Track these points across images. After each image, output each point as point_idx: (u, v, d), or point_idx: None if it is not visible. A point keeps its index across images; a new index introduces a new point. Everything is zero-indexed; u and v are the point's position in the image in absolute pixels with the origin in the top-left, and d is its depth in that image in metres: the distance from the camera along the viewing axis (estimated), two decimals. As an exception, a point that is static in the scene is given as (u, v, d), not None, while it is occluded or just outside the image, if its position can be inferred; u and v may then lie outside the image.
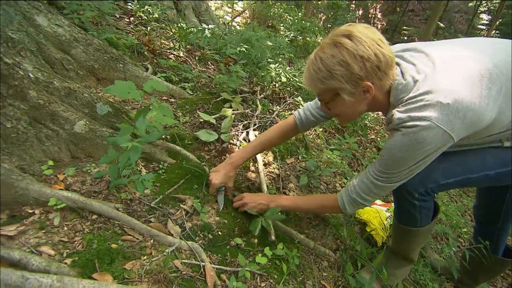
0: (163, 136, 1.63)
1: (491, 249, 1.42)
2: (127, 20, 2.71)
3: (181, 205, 1.30)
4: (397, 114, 0.93)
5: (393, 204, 1.82)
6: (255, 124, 1.88)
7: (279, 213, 1.29)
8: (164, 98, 1.95)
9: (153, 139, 1.07)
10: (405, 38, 10.88)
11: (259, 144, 1.43)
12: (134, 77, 1.90)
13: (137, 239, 1.10)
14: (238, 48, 2.32)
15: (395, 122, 0.93)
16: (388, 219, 1.67)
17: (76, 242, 1.00)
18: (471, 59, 0.92)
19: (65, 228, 1.03)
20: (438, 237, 2.11)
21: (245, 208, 1.33)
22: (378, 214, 1.66)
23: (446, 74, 0.89)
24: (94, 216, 1.11)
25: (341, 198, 1.17)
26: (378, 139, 2.88)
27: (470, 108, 0.86)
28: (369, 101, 0.99)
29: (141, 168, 1.41)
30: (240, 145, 1.73)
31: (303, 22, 5.65)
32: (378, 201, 1.81)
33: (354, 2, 10.49)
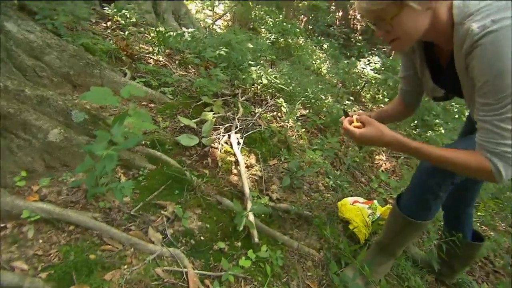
0: (143, 142, 1.60)
1: (461, 235, 1.47)
2: (104, 24, 2.66)
3: (162, 212, 1.28)
4: (474, 24, 0.82)
5: (374, 201, 1.86)
6: (236, 127, 1.87)
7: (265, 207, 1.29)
8: (143, 103, 1.92)
9: (130, 146, 1.05)
10: (384, 38, 11.14)
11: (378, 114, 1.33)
12: (112, 82, 1.86)
13: (117, 248, 1.08)
14: (217, 52, 2.31)
15: (475, 33, 0.82)
16: (370, 216, 1.70)
17: (51, 255, 0.97)
18: None
19: (40, 241, 1.00)
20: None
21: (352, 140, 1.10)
22: (361, 212, 1.69)
23: None
24: (71, 227, 1.08)
25: (491, 160, 0.88)
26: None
27: None
28: (432, 17, 0.90)
29: (120, 175, 1.38)
30: (222, 149, 1.72)
31: (284, 24, 5.70)
32: (360, 199, 1.84)
33: (333, 3, 10.65)
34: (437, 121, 4.37)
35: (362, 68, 5.37)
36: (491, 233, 2.83)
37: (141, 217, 1.23)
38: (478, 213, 2.93)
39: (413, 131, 4.40)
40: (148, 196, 1.32)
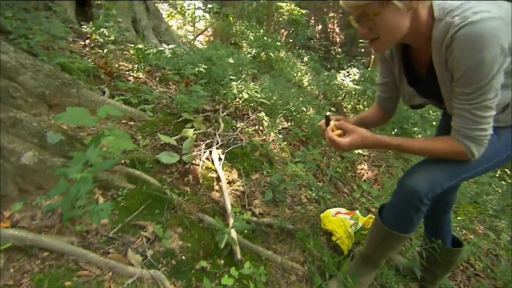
0: (122, 161, 1.58)
1: (441, 240, 1.51)
2: (82, 42, 2.64)
3: (142, 232, 1.26)
4: (455, 18, 0.87)
5: (356, 211, 1.89)
6: (218, 143, 1.88)
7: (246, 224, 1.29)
8: (123, 121, 1.90)
9: (105, 167, 1.04)
10: (362, 50, 11.58)
11: (357, 120, 1.36)
12: (90, 101, 1.84)
13: (94, 273, 1.05)
14: (196, 69, 2.33)
15: (456, 24, 0.86)
16: (352, 226, 1.72)
17: (23, 285, 0.93)
18: None
19: (11, 270, 0.96)
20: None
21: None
22: (343, 223, 1.71)
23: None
24: (45, 253, 1.04)
25: (465, 144, 0.99)
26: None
27: None
28: (412, 16, 0.94)
29: (98, 197, 1.35)
30: (203, 165, 1.72)
31: (265, 38, 5.82)
32: (343, 210, 1.86)
33: (313, 17, 10.98)
34: (415, 129, 4.53)
35: (342, 79, 5.52)
36: (471, 236, 2.91)
37: (120, 239, 1.20)
38: (458, 218, 3.01)
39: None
40: (128, 217, 1.30)
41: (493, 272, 2.39)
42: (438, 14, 0.92)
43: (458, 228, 2.77)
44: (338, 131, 1.08)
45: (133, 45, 2.73)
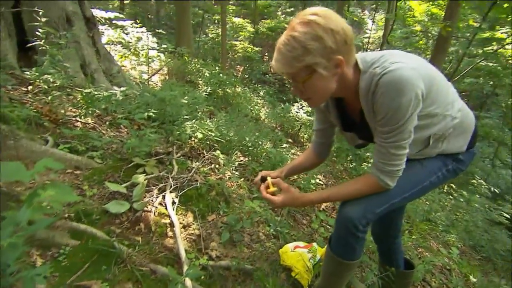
0: (66, 215, 1.48)
1: (394, 265, 1.57)
2: (24, 89, 2.53)
3: (86, 294, 1.16)
4: (377, 69, 1.00)
5: (314, 244, 1.92)
6: (171, 186, 1.84)
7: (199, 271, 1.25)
8: (68, 171, 1.81)
9: (40, 228, 0.97)
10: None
11: (291, 168, 1.47)
12: (30, 152, 1.73)
13: None
14: (146, 113, 2.33)
15: (377, 73, 0.99)
16: (311, 259, 1.73)
17: None
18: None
19: None
20: (363, 265, 2.25)
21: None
22: (301, 257, 1.72)
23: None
24: (-34, 335, 0.92)
25: (379, 177, 1.12)
26: (299, 179, 3.06)
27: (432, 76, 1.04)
28: (339, 77, 1.03)
29: (36, 258, 1.24)
30: (156, 211, 1.66)
31: (221, 75, 6.00)
32: (301, 243, 1.88)
33: (266, 54, 11.61)
34: (368, 154, 4.82)
35: (296, 111, 5.79)
36: (426, 254, 3.07)
37: (60, 305, 1.10)
38: (413, 237, 3.18)
39: (350, 164, 4.77)
40: (70, 278, 1.20)
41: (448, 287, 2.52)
42: (362, 67, 1.06)
43: (413, 247, 2.91)
44: (274, 188, 1.22)
45: (81, 90, 2.66)
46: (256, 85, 8.68)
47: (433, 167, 1.23)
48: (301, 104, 6.02)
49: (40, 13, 2.52)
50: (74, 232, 1.38)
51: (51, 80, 2.44)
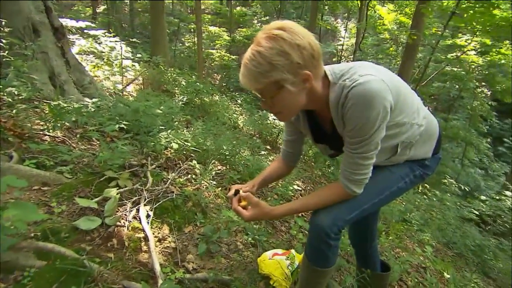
0: (32, 234, 1.41)
1: (371, 268, 1.61)
2: (-13, 104, 2.40)
3: (53, 318, 1.10)
4: (346, 81, 1.00)
5: (292, 250, 1.93)
6: (145, 199, 1.80)
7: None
8: (34, 187, 1.73)
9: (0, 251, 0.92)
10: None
11: (263, 180, 1.43)
12: (-8, 170, 1.64)
13: None
14: (117, 125, 2.27)
15: (347, 86, 0.99)
16: (289, 266, 1.74)
17: None
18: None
19: None
20: (342, 268, 2.28)
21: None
22: (279, 264, 1.72)
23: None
24: None
25: (346, 185, 1.14)
26: (278, 186, 3.08)
27: (399, 86, 1.07)
28: (308, 91, 1.03)
29: (-2, 284, 1.17)
30: (129, 226, 1.62)
31: (198, 84, 5.97)
32: (279, 251, 1.88)
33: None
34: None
35: (273, 118, 5.85)
36: (403, 253, 3.16)
37: (24, 331, 1.04)
38: (390, 237, 3.26)
39: (328, 169, 4.86)
40: (35, 302, 1.14)
41: (423, 286, 2.60)
42: (331, 78, 1.06)
43: (390, 248, 2.99)
44: (245, 202, 1.23)
45: (49, 102, 2.56)
46: (233, 93, 8.71)
47: (401, 173, 1.28)
48: (278, 111, 6.07)
49: (3, 23, 2.43)
50: (41, 252, 1.32)
51: (16, 92, 2.34)
